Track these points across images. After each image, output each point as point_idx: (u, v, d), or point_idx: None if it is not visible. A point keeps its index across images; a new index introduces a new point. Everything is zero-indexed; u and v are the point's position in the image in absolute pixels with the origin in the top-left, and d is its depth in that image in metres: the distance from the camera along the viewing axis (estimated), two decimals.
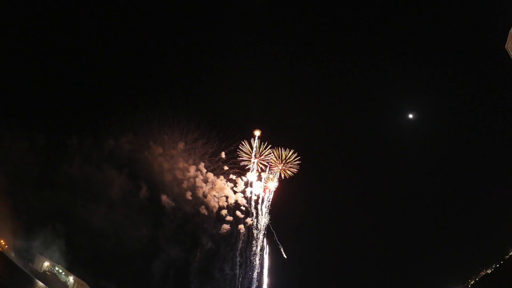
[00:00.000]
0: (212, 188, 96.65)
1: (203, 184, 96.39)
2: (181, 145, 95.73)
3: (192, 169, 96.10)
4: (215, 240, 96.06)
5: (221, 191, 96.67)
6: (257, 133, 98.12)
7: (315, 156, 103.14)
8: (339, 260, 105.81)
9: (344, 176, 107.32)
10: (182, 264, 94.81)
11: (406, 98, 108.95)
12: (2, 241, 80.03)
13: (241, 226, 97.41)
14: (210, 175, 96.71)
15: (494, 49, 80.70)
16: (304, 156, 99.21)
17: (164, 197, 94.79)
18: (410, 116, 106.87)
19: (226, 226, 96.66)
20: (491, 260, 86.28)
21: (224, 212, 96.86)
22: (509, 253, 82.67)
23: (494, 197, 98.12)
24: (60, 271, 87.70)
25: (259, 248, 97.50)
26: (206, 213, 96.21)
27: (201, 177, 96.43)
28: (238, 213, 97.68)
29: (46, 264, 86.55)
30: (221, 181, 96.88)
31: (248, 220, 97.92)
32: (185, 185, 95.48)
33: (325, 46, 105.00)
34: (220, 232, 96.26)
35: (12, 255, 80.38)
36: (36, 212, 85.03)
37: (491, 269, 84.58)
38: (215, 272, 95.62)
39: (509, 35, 70.17)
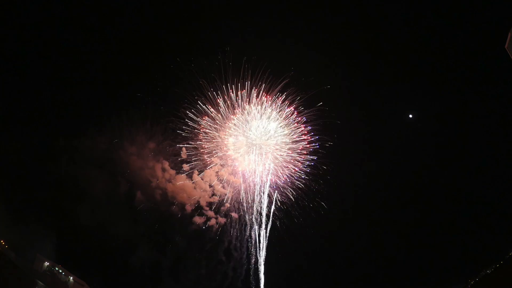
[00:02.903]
0: (177, 186, 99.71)
1: (170, 183, 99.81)
2: (151, 145, 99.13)
3: (160, 168, 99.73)
4: (185, 238, 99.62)
5: (186, 189, 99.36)
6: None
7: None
8: (337, 259, 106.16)
9: (344, 174, 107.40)
10: (156, 261, 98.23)
11: (405, 98, 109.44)
12: (2, 241, 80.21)
13: (213, 222, 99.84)
14: (179, 175, 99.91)
15: (494, 49, 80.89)
16: None
17: (138, 196, 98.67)
18: (410, 116, 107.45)
19: (198, 221, 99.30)
20: (491, 260, 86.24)
21: (189, 208, 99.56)
22: (509, 253, 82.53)
23: (494, 196, 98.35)
24: (60, 271, 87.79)
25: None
26: (177, 211, 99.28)
27: (167, 176, 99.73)
28: (210, 212, 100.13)
29: (46, 264, 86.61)
30: (186, 180, 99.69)
31: (221, 219, 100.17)
32: (154, 183, 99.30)
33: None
34: (191, 229, 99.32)
35: (12, 255, 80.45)
36: (31, 211, 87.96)
37: (491, 269, 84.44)
38: (187, 271, 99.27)
39: (509, 35, 70.24)
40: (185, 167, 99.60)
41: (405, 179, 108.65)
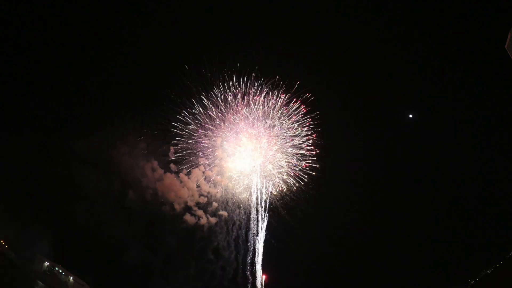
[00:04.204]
0: (168, 185, 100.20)
1: (161, 183, 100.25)
2: (142, 145, 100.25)
3: (151, 168, 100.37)
4: (177, 237, 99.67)
5: (177, 189, 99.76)
6: None
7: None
8: (336, 259, 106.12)
9: (344, 173, 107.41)
10: (148, 261, 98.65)
11: (405, 98, 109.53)
12: (2, 241, 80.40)
13: (204, 221, 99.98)
14: (171, 175, 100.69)
15: (494, 49, 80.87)
16: None
17: (130, 195, 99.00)
18: (410, 116, 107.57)
19: (191, 220, 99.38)
20: (491, 260, 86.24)
21: (181, 207, 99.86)
22: (509, 253, 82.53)
23: (494, 196, 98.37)
24: (60, 271, 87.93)
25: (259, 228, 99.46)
26: (169, 210, 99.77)
27: (157, 175, 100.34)
28: (201, 212, 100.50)
29: (46, 264, 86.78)
30: (177, 180, 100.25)
31: (212, 219, 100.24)
32: (146, 183, 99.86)
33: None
34: (182, 228, 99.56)
35: (12, 255, 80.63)
36: (29, 210, 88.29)
37: (491, 269, 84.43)
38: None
39: (509, 35, 70.29)
40: (176, 167, 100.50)
41: (405, 179, 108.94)
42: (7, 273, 74.83)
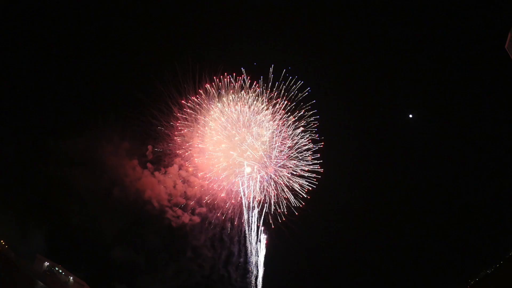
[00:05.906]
0: (152, 185, 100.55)
1: (145, 182, 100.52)
2: (124, 145, 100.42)
3: (136, 168, 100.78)
4: (162, 235, 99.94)
5: (162, 188, 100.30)
6: None
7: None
8: (336, 260, 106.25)
9: (344, 174, 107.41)
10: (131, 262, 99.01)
11: (405, 97, 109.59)
12: (2, 241, 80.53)
13: (187, 220, 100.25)
14: (146, 173, 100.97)
15: (494, 49, 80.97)
16: None
17: (116, 194, 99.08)
18: (410, 116, 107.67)
19: (173, 218, 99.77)
20: (491, 260, 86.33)
21: (157, 205, 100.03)
22: (509, 253, 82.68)
23: (494, 196, 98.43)
24: (60, 271, 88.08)
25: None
26: (152, 210, 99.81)
27: (137, 174, 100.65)
28: (185, 211, 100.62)
29: (46, 264, 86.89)
30: (154, 178, 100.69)
31: (196, 217, 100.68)
32: (128, 182, 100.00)
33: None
34: (168, 227, 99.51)
35: (12, 255, 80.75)
36: (26, 210, 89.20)
37: (491, 269, 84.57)
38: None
39: (509, 35, 70.47)
40: (154, 166, 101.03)
41: (404, 179, 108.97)
42: (7, 273, 74.90)
